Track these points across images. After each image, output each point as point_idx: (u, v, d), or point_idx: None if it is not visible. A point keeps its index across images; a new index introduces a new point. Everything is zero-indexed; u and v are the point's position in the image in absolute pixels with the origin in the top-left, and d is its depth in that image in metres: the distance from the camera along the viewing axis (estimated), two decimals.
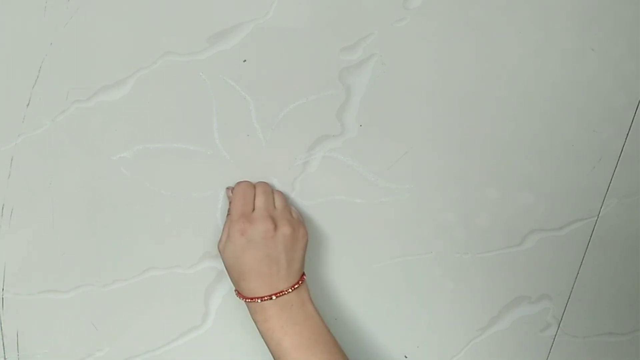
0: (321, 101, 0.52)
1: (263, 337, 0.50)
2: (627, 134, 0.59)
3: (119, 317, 0.58)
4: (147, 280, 0.57)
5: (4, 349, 0.56)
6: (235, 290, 0.51)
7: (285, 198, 0.55)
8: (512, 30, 0.52)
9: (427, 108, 0.55)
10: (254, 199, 0.52)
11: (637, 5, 0.53)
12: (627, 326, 0.72)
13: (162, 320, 0.59)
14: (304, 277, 0.52)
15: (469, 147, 0.57)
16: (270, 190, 0.54)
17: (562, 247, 0.65)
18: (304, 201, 0.57)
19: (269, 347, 0.49)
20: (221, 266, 0.54)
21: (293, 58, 0.50)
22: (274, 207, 0.52)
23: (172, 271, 0.57)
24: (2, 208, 0.51)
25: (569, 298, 0.68)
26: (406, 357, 0.67)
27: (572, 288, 0.68)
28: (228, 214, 0.52)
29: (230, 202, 0.52)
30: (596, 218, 0.64)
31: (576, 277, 0.67)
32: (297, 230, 0.51)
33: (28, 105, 0.48)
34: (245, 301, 0.50)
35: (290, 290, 0.50)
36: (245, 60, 0.49)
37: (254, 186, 0.53)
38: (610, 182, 0.62)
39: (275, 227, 0.50)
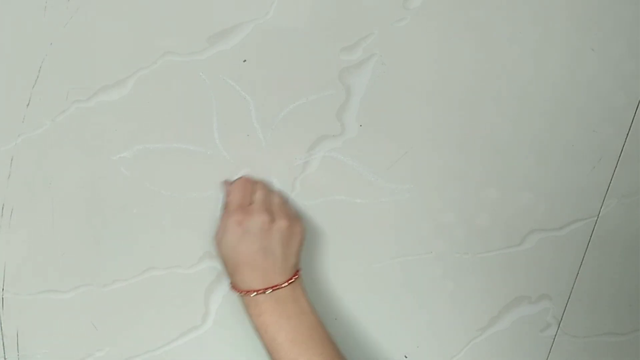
0: (321, 101, 0.52)
1: (257, 332, 0.49)
2: (627, 134, 0.59)
3: (119, 317, 0.58)
4: (147, 280, 0.57)
5: (4, 349, 0.56)
6: (230, 284, 0.51)
7: (284, 196, 0.55)
8: (512, 30, 0.52)
9: (427, 108, 0.55)
10: (253, 194, 0.52)
11: (637, 5, 0.53)
12: (627, 326, 0.72)
13: (162, 320, 0.59)
14: (299, 272, 0.52)
15: (469, 147, 0.57)
16: (268, 187, 0.54)
17: (562, 247, 0.65)
18: (304, 201, 0.57)
19: (263, 342, 0.49)
20: (221, 266, 0.54)
21: (293, 58, 0.50)
22: (272, 202, 0.52)
23: (172, 271, 0.57)
24: (2, 208, 0.51)
25: (569, 298, 0.68)
26: (406, 357, 0.67)
27: (572, 288, 0.68)
28: (225, 207, 0.52)
29: (227, 195, 0.52)
30: (596, 218, 0.64)
31: (576, 277, 0.67)
32: (294, 225, 0.51)
33: (28, 105, 0.48)
34: (240, 294, 0.50)
35: (285, 284, 0.49)
36: (245, 60, 0.49)
37: (253, 182, 0.53)
38: (610, 182, 0.62)
39: (273, 219, 0.50)
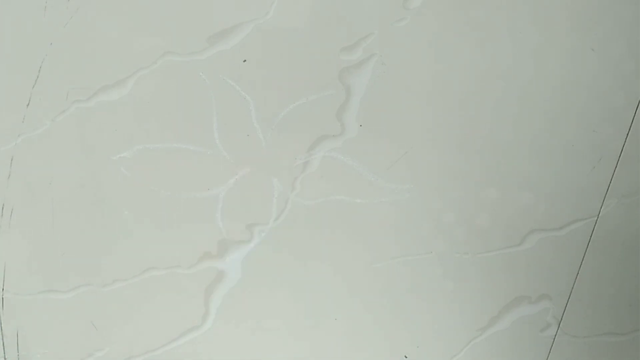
0: (321, 101, 0.52)
1: None
2: (627, 134, 0.59)
3: (119, 317, 0.58)
4: (147, 280, 0.57)
5: (4, 349, 0.56)
6: None
7: None
8: (512, 30, 0.52)
9: (427, 108, 0.55)
10: None
11: (637, 5, 0.53)
12: (627, 326, 0.72)
13: (162, 320, 0.59)
14: None
15: (469, 147, 0.57)
16: None
17: (562, 247, 0.65)
18: (304, 201, 0.57)
19: None
20: (221, 266, 0.54)
21: (293, 58, 0.50)
22: None
23: (172, 271, 0.57)
24: (2, 208, 0.51)
25: (569, 298, 0.68)
26: (406, 357, 0.67)
27: (572, 288, 0.68)
28: None
29: None
30: (596, 218, 0.64)
31: (576, 277, 0.67)
32: None
33: (28, 105, 0.48)
34: None
35: None
36: (245, 60, 0.49)
37: None
38: (610, 182, 0.62)
39: None
